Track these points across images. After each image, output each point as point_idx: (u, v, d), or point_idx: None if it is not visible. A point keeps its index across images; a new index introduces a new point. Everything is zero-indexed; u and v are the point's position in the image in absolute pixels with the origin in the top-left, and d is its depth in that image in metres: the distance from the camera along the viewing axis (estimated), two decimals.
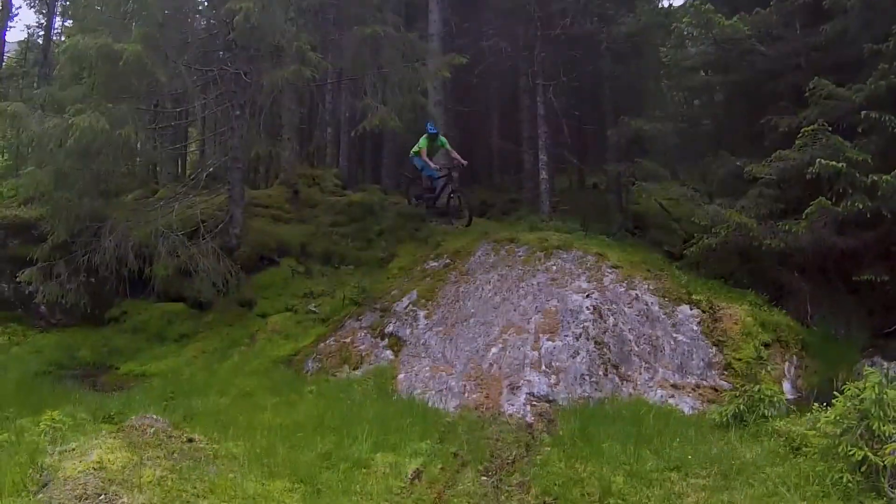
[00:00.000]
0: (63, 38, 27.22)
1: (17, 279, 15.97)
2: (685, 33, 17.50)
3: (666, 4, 24.23)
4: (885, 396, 6.71)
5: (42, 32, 31.65)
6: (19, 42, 34.75)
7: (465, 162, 17.23)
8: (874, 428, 6.60)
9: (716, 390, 10.51)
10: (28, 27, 53.01)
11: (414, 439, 8.71)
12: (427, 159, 17.10)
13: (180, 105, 18.20)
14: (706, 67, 19.05)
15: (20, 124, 14.85)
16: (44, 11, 31.18)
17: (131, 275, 15.71)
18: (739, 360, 11.03)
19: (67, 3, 30.42)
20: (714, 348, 11.27)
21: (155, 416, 7.93)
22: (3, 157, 34.42)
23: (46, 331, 16.53)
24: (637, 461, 7.71)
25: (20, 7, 57.86)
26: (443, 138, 17.30)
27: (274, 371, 12.37)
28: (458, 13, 23.10)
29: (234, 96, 16.51)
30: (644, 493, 7.05)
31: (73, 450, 6.77)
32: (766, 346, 11.39)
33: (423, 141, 16.96)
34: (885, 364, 10.60)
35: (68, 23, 31.60)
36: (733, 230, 13.26)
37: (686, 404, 10.22)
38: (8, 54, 32.00)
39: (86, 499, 5.87)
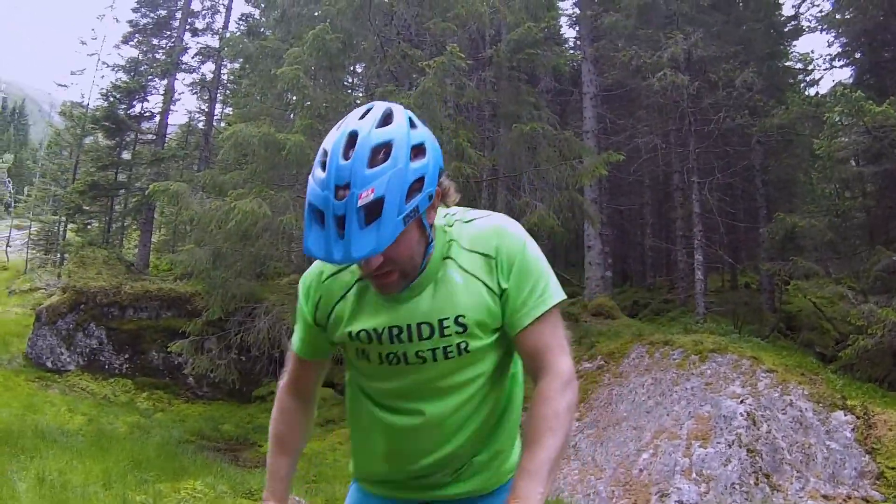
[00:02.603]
0: (224, 125, 28.58)
1: (168, 349, 16.72)
2: (837, 122, 17.04)
3: (812, 92, 23.65)
4: None
5: (203, 118, 33.33)
6: (180, 125, 36.81)
7: None
8: None
9: (867, 502, 10.02)
10: (189, 112, 56.18)
11: None
12: None
13: None
14: (857, 157, 18.59)
15: (182, 203, 15.54)
16: (205, 98, 32.88)
17: (282, 356, 16.10)
18: (892, 468, 10.50)
19: (228, 92, 32.08)
20: (867, 456, 10.76)
21: (297, 498, 7.92)
22: (160, 232, 36.30)
23: (192, 401, 17.16)
24: None
25: (182, 92, 61.51)
26: None
27: None
28: (613, 110, 23.25)
29: None
30: None
31: None
32: None
33: None
34: None
35: (227, 110, 33.38)
36: (889, 330, 12.69)
37: None
38: (169, 136, 33.89)
39: None
